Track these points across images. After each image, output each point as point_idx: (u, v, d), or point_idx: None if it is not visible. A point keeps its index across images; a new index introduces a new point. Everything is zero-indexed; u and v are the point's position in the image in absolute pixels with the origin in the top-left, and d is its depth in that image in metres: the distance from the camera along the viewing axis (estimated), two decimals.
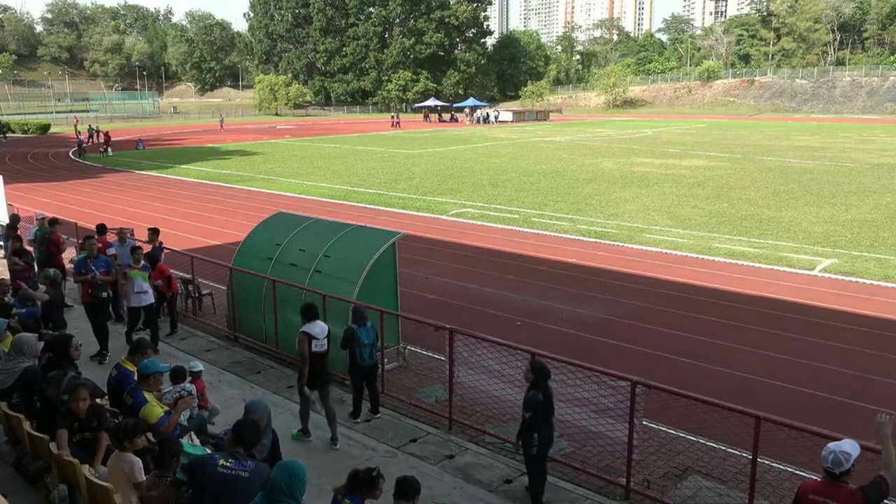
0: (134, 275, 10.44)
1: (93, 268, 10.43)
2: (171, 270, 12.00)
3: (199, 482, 4.61)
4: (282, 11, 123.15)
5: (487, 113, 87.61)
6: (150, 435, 5.97)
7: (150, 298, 10.57)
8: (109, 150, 44.18)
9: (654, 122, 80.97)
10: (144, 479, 5.07)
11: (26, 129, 66.50)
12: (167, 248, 13.25)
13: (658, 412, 7.67)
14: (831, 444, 4.58)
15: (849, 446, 4.54)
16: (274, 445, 6.11)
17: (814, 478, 5.33)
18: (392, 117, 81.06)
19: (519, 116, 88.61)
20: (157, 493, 4.87)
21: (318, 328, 7.86)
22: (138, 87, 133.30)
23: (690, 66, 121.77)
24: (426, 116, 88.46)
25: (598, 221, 21.29)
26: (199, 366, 7.78)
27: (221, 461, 4.62)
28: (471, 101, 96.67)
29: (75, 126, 56.79)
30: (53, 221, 13.64)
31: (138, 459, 5.20)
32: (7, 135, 61.09)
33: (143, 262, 10.66)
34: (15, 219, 14.80)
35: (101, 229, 12.70)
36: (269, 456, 5.98)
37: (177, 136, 63.17)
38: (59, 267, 12.30)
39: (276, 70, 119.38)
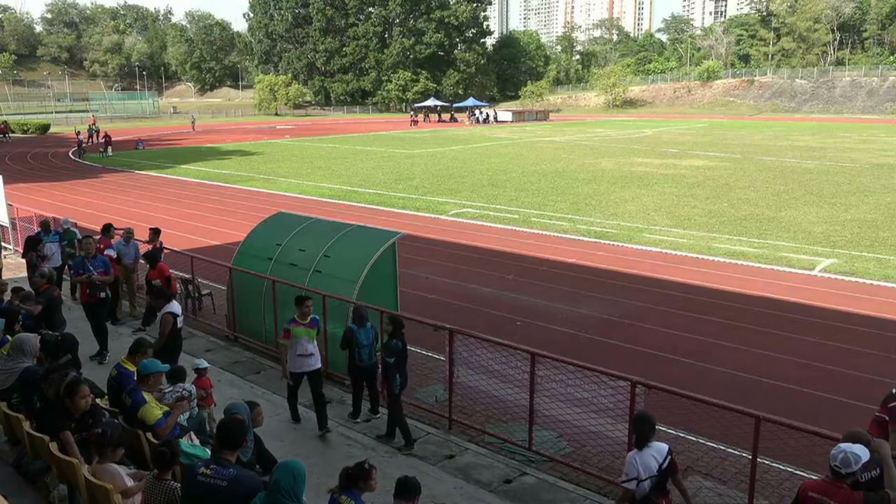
0: (299, 333, 8.03)
1: (90, 268, 10.50)
2: (171, 270, 12.00)
3: (185, 490, 4.65)
4: (281, 11, 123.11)
5: (487, 113, 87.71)
6: (149, 435, 5.98)
7: (316, 362, 8.18)
8: (110, 149, 44.16)
9: (654, 122, 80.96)
10: (130, 484, 5.05)
11: (26, 129, 66.47)
12: (167, 249, 13.27)
13: (658, 412, 7.65)
14: (843, 444, 4.55)
15: (860, 449, 4.50)
16: (258, 446, 6.11)
17: (813, 477, 5.33)
18: (411, 115, 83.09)
19: (519, 116, 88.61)
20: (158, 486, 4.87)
21: (177, 307, 8.89)
22: (138, 87, 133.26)
23: (690, 66, 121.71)
24: (426, 116, 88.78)
25: (598, 221, 21.29)
26: (204, 363, 7.79)
27: (202, 468, 4.52)
28: (471, 101, 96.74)
29: (91, 125, 56.59)
30: (155, 232, 12.89)
31: (119, 468, 5.20)
32: (8, 135, 61.00)
33: (311, 315, 8.23)
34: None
35: (106, 229, 12.77)
36: (255, 457, 5.99)
37: (176, 136, 63.16)
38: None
39: (276, 70, 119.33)
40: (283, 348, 8.22)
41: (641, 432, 5.22)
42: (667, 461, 5.17)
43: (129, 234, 12.78)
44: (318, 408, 8.16)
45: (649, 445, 5.19)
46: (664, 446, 5.25)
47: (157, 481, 4.88)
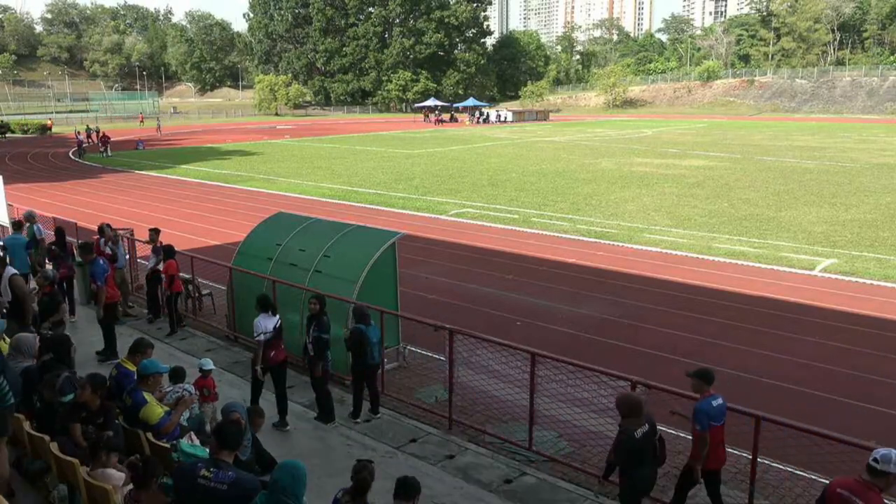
0: None
1: (90, 274, 10.54)
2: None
3: (180, 491, 4.59)
4: (282, 11, 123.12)
5: (488, 113, 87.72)
6: (149, 435, 5.97)
7: None
8: (109, 149, 44.13)
9: (654, 122, 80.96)
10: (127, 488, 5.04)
11: (26, 129, 66.47)
12: None
13: (658, 412, 7.64)
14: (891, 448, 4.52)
15: None
16: (256, 446, 6.10)
17: (812, 477, 5.33)
18: (435, 115, 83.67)
19: (519, 116, 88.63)
20: (145, 495, 4.74)
21: (13, 270, 9.25)
22: (138, 87, 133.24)
23: (690, 66, 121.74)
24: (426, 116, 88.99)
25: (598, 221, 21.29)
26: (209, 364, 7.78)
27: (203, 471, 4.48)
28: (471, 101, 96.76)
29: (141, 121, 56.65)
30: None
31: (115, 472, 5.18)
32: (7, 134, 60.93)
33: None
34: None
35: (101, 230, 12.74)
36: (254, 457, 5.98)
37: (176, 136, 63.15)
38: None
39: (276, 70, 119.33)
40: None
41: (265, 307, 8.22)
42: (279, 322, 8.26)
43: (114, 235, 12.73)
44: None
45: (269, 315, 8.15)
46: (277, 316, 8.30)
47: (134, 501, 4.72)
